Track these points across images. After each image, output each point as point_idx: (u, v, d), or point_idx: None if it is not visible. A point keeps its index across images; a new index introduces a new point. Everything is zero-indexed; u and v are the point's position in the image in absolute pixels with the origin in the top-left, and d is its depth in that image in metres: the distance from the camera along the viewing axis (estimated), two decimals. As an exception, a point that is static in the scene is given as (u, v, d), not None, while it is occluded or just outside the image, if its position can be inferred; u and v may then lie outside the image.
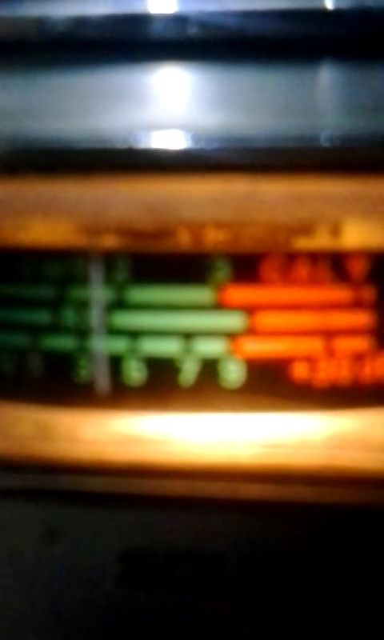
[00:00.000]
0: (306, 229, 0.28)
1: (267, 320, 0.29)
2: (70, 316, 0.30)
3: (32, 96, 0.31)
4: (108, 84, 0.31)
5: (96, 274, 0.29)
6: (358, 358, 0.29)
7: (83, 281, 0.30)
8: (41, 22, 0.32)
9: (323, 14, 0.31)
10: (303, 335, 0.29)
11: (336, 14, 0.31)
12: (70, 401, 0.30)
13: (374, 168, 0.27)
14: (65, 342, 0.30)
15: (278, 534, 0.31)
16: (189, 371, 0.30)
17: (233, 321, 0.29)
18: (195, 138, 0.28)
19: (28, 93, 0.32)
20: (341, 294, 0.29)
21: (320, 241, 0.28)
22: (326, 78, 0.32)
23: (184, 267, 0.29)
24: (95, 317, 0.30)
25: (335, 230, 0.28)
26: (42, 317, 0.30)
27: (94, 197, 0.28)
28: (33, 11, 0.32)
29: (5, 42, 0.32)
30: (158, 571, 0.31)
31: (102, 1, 0.32)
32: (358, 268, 0.29)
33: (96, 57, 0.32)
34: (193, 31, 0.31)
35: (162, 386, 0.30)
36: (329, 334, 0.29)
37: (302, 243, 0.28)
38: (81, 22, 0.32)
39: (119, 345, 0.30)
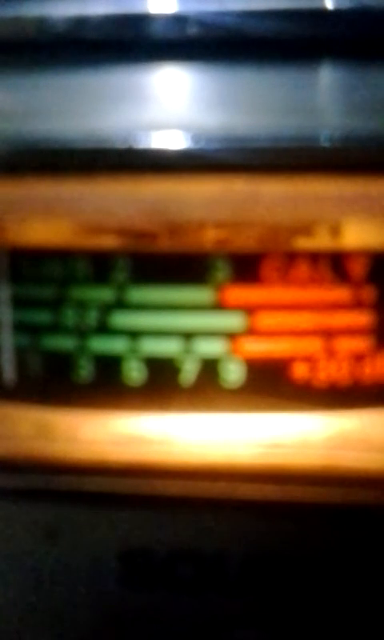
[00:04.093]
0: (306, 229, 0.28)
1: (267, 320, 0.29)
2: (70, 316, 0.30)
3: (32, 96, 0.31)
4: (108, 84, 0.31)
5: (96, 274, 0.29)
6: (358, 358, 0.29)
7: (83, 281, 0.30)
8: (41, 22, 0.32)
9: (323, 14, 0.31)
10: (303, 335, 0.29)
11: (336, 14, 0.31)
12: (69, 401, 0.30)
13: (374, 168, 0.27)
14: (65, 342, 0.30)
15: (278, 533, 0.31)
16: (189, 371, 0.30)
17: (233, 321, 0.29)
18: (195, 137, 0.28)
19: (28, 93, 0.32)
20: (341, 293, 0.29)
21: (320, 241, 0.28)
22: (326, 77, 0.32)
23: (184, 267, 0.29)
24: (95, 317, 0.30)
25: (335, 230, 0.28)
26: (42, 317, 0.30)
27: (94, 197, 0.28)
28: (33, 11, 0.32)
29: (5, 42, 0.32)
30: (158, 571, 0.31)
31: (102, 1, 0.32)
32: (358, 268, 0.29)
33: (96, 57, 0.32)
34: (193, 31, 0.31)
35: (161, 386, 0.30)
36: (329, 334, 0.29)
37: (302, 243, 0.28)
38: (81, 22, 0.32)
39: (119, 345, 0.30)
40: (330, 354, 0.29)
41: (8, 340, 0.30)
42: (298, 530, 0.30)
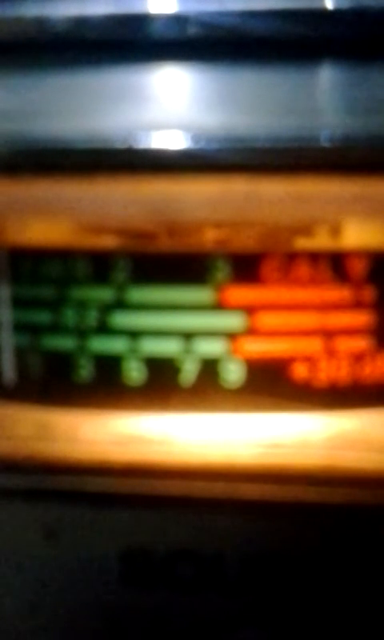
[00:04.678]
0: (306, 229, 0.28)
1: (267, 320, 0.29)
2: (70, 316, 0.30)
3: (32, 96, 0.31)
4: (108, 84, 0.31)
5: (96, 273, 0.29)
6: (358, 358, 0.29)
7: (83, 281, 0.30)
8: (41, 22, 0.32)
9: (323, 14, 0.31)
10: (303, 335, 0.29)
11: (336, 13, 0.31)
12: (69, 401, 0.30)
13: (374, 168, 0.27)
14: (65, 342, 0.30)
15: (278, 534, 0.31)
16: (189, 371, 0.30)
17: (233, 321, 0.29)
18: (195, 138, 0.28)
19: (28, 93, 0.32)
20: (341, 294, 0.29)
21: (320, 241, 0.28)
22: (326, 78, 0.32)
23: (184, 267, 0.29)
24: (95, 317, 0.30)
25: (335, 230, 0.28)
26: (42, 317, 0.30)
27: (94, 197, 0.28)
28: (33, 11, 0.32)
29: (5, 42, 0.32)
30: (158, 571, 0.31)
31: (102, 1, 0.32)
32: (358, 268, 0.29)
33: (96, 57, 0.32)
34: (193, 31, 0.31)
35: (162, 386, 0.30)
36: (329, 334, 0.29)
37: (302, 243, 0.28)
38: (81, 22, 0.32)
39: (119, 345, 0.30)
40: (330, 353, 0.29)
41: (8, 340, 0.30)
42: (298, 530, 0.30)
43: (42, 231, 0.29)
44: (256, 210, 0.28)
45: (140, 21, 0.31)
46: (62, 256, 0.29)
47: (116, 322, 0.30)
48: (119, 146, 0.28)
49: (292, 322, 0.29)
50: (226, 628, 0.32)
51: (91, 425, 0.30)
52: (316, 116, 0.30)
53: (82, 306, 0.30)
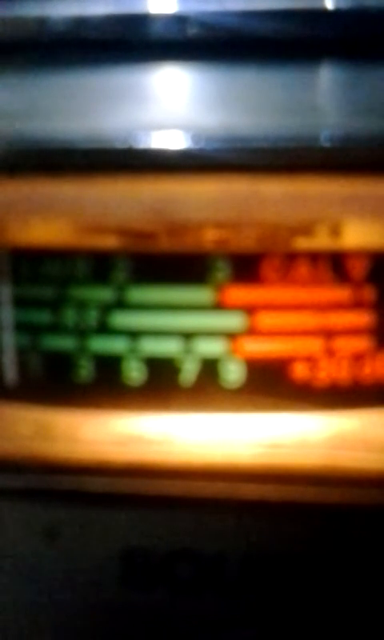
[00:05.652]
0: (306, 229, 0.28)
1: (267, 320, 0.29)
2: (70, 316, 0.30)
3: (32, 96, 0.31)
4: (108, 84, 0.31)
5: (96, 273, 0.29)
6: (358, 358, 0.29)
7: (83, 281, 0.30)
8: (41, 22, 0.32)
9: (323, 14, 0.31)
10: (303, 335, 0.29)
11: (336, 14, 0.31)
12: (70, 401, 0.30)
13: (374, 168, 0.27)
14: (65, 342, 0.30)
15: (278, 534, 0.31)
16: (189, 371, 0.30)
17: (233, 321, 0.29)
18: (195, 138, 0.28)
19: (28, 93, 0.32)
20: (341, 293, 0.29)
21: (320, 241, 0.28)
22: (326, 77, 0.32)
23: (184, 267, 0.29)
24: (95, 317, 0.30)
25: (335, 230, 0.28)
26: (42, 317, 0.30)
27: (94, 197, 0.28)
28: (33, 11, 0.32)
29: (5, 42, 0.32)
30: (158, 571, 0.31)
31: (102, 1, 0.32)
32: (357, 268, 0.29)
33: (96, 57, 0.32)
34: (193, 31, 0.31)
35: (162, 386, 0.30)
36: (329, 334, 0.29)
37: (302, 243, 0.28)
38: (81, 22, 0.32)
39: (119, 345, 0.30)
40: (330, 353, 0.29)
41: (9, 340, 0.30)
42: (298, 530, 0.30)
43: (43, 231, 0.29)
44: (256, 210, 0.28)
45: (140, 21, 0.31)
46: (63, 256, 0.29)
47: (116, 322, 0.30)
48: (119, 145, 0.28)
49: (292, 321, 0.29)
50: (226, 628, 0.32)
51: (91, 425, 0.30)
52: (316, 116, 0.30)
53: (82, 306, 0.30)
